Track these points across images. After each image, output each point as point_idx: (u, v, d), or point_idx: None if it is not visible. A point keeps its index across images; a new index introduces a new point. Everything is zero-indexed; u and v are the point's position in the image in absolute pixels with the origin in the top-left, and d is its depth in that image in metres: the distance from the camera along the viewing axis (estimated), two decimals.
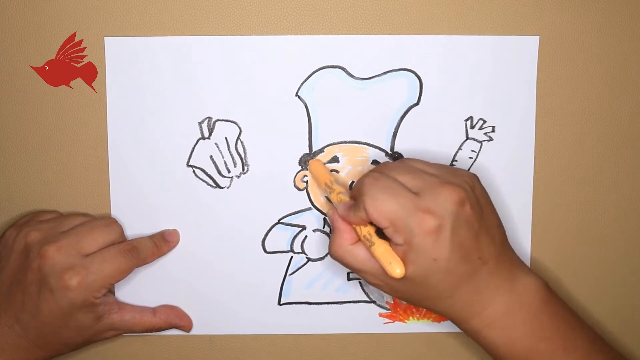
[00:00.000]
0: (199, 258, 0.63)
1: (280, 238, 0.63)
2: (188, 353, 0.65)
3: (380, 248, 0.52)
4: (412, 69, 0.61)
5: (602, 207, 0.63)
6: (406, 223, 0.51)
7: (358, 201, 0.53)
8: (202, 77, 0.61)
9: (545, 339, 0.54)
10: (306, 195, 0.63)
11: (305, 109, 0.62)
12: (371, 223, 0.53)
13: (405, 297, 0.55)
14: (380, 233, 0.53)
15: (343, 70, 0.61)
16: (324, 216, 0.63)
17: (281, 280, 0.64)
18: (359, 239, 0.54)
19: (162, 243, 0.62)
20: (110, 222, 0.60)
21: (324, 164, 0.62)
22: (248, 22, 0.61)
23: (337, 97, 0.61)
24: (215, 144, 0.62)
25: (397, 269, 0.51)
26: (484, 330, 0.54)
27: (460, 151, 0.62)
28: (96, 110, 0.62)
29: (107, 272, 0.57)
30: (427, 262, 0.51)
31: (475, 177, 0.55)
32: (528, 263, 0.63)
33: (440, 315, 0.56)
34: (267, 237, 0.63)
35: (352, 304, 0.64)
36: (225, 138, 0.62)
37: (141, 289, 0.63)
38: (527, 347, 0.53)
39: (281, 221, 0.63)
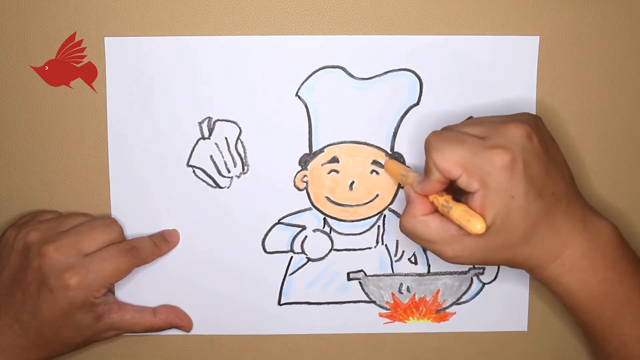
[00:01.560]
0: (199, 258, 0.63)
1: (280, 238, 0.63)
2: (188, 353, 0.65)
3: (458, 209, 0.51)
4: (412, 69, 0.61)
5: (602, 207, 0.63)
6: (478, 164, 0.50)
7: (426, 163, 0.52)
8: (202, 77, 0.61)
9: (622, 284, 0.53)
10: (306, 195, 0.63)
11: (305, 109, 0.62)
12: (446, 191, 0.52)
13: (483, 255, 0.53)
14: (458, 200, 0.52)
15: (343, 70, 0.61)
16: (323, 216, 0.63)
17: (281, 280, 0.64)
18: (435, 211, 0.53)
19: (162, 243, 0.62)
20: (110, 222, 0.60)
21: (323, 164, 0.62)
22: (248, 22, 0.61)
23: (337, 97, 0.61)
24: (216, 144, 0.62)
25: (477, 224, 0.49)
26: (563, 276, 0.53)
27: None
28: (96, 110, 0.62)
29: (107, 272, 0.57)
30: (505, 200, 0.50)
31: (537, 117, 0.55)
32: None
33: (519, 266, 0.54)
34: (267, 237, 0.63)
35: (352, 304, 0.64)
36: (226, 138, 0.62)
37: (141, 289, 0.63)
38: (604, 292, 0.53)
39: (281, 221, 0.63)
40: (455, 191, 0.53)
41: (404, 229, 0.55)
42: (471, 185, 0.50)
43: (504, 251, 0.52)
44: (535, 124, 0.53)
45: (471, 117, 0.61)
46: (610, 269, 0.53)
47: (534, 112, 0.62)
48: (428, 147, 0.52)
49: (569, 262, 0.53)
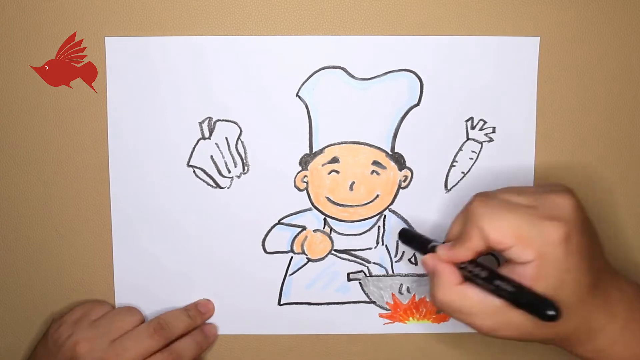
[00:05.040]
0: (199, 258, 0.63)
1: (281, 238, 0.63)
2: None
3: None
4: (413, 70, 0.61)
5: (603, 207, 0.63)
6: (534, 234, 0.48)
7: (467, 230, 0.50)
8: (202, 77, 0.61)
9: None
10: (306, 195, 0.63)
11: (305, 110, 0.62)
12: (474, 261, 0.50)
13: (529, 330, 0.49)
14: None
15: (344, 70, 0.61)
16: (324, 216, 0.63)
17: (281, 281, 0.64)
18: (465, 280, 0.50)
19: (196, 315, 0.62)
20: (157, 329, 0.60)
21: (323, 164, 0.62)
22: (248, 23, 0.61)
23: (337, 97, 0.61)
24: (216, 144, 0.62)
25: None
26: (609, 349, 0.51)
27: (460, 152, 0.62)
28: (96, 110, 0.62)
29: None
30: (560, 274, 0.48)
31: (568, 188, 0.52)
32: None
33: (561, 342, 0.51)
34: (267, 237, 0.63)
35: (352, 304, 0.64)
36: (226, 138, 0.62)
37: (141, 290, 0.63)
38: None
39: (281, 221, 0.63)
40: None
41: (441, 303, 0.51)
42: (525, 255, 0.48)
43: (551, 327, 0.49)
44: (576, 195, 0.51)
45: (471, 117, 0.62)
46: None
47: (534, 112, 0.62)
48: (475, 214, 0.49)
49: (615, 334, 0.50)
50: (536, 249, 0.48)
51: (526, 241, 0.48)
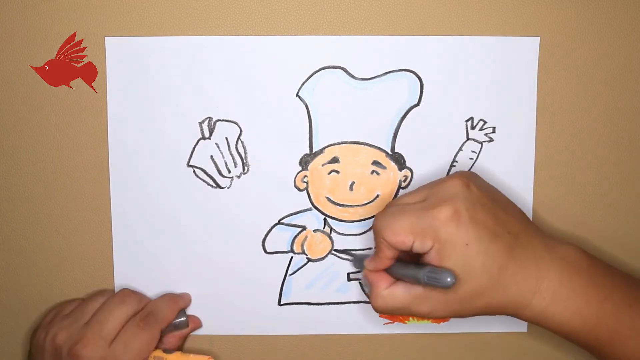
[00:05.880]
0: (199, 258, 0.63)
1: (281, 238, 0.63)
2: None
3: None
4: (413, 70, 0.61)
5: (603, 207, 0.63)
6: (425, 224, 0.52)
7: (376, 242, 0.55)
8: (202, 77, 0.61)
9: (607, 298, 0.53)
10: (306, 195, 0.63)
11: (305, 110, 0.62)
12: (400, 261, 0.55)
13: (457, 307, 0.53)
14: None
15: (344, 70, 0.61)
16: (324, 216, 0.63)
17: (281, 281, 0.64)
18: (395, 280, 0.55)
19: (176, 297, 0.63)
20: (124, 295, 0.61)
21: (323, 164, 0.62)
22: (249, 23, 0.61)
23: (337, 97, 0.61)
24: (216, 144, 0.62)
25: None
26: (549, 309, 0.52)
27: (460, 152, 0.62)
28: (96, 110, 0.62)
29: (135, 352, 0.58)
30: (460, 249, 0.51)
31: (471, 172, 0.57)
32: None
33: (500, 312, 0.54)
34: (268, 237, 0.63)
35: (352, 304, 0.64)
36: (226, 138, 0.62)
37: (141, 289, 0.63)
38: (594, 312, 0.52)
39: (281, 221, 0.63)
40: (412, 257, 0.55)
41: (379, 310, 0.55)
42: (425, 245, 0.52)
43: (476, 300, 0.52)
44: (469, 176, 0.55)
45: (471, 117, 0.62)
46: (591, 287, 0.53)
47: (534, 112, 0.62)
48: (377, 228, 0.54)
49: (549, 294, 0.52)
50: (431, 235, 0.52)
51: (421, 233, 0.52)
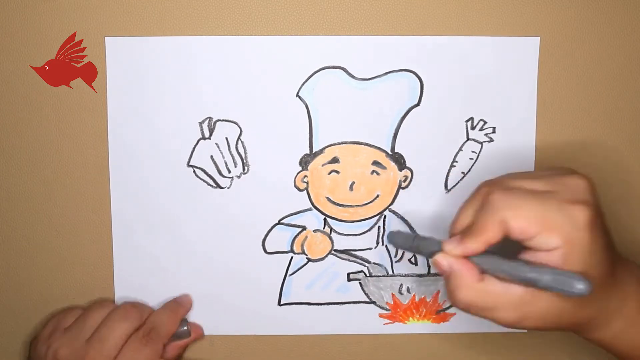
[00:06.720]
0: (199, 258, 0.63)
1: (281, 238, 0.63)
2: (188, 354, 0.65)
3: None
4: (413, 70, 0.61)
5: (603, 208, 0.63)
6: (559, 220, 0.46)
7: (483, 222, 0.48)
8: (202, 77, 0.61)
9: None
10: (306, 195, 0.63)
11: (305, 110, 0.62)
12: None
13: (553, 318, 0.48)
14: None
15: (344, 70, 0.61)
16: (324, 217, 0.63)
17: (281, 281, 0.64)
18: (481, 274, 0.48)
19: (177, 308, 0.62)
20: (127, 310, 0.60)
21: (323, 164, 0.62)
22: (249, 23, 0.61)
23: (337, 97, 0.61)
24: (216, 144, 0.62)
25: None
26: (627, 331, 0.50)
27: (460, 152, 0.62)
28: (96, 110, 0.62)
29: None
30: (586, 257, 0.46)
31: (574, 170, 0.51)
32: None
33: (573, 328, 0.50)
34: (268, 238, 0.63)
35: (352, 304, 0.64)
36: (226, 138, 0.62)
37: (141, 289, 0.63)
38: None
39: (281, 221, 0.63)
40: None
41: (462, 304, 0.48)
42: (549, 242, 0.46)
43: (577, 308, 0.48)
44: (588, 177, 0.50)
45: (471, 118, 0.62)
46: None
47: (534, 112, 0.62)
48: (497, 205, 0.47)
49: (630, 316, 0.49)
50: (563, 235, 0.46)
51: (552, 228, 0.46)
